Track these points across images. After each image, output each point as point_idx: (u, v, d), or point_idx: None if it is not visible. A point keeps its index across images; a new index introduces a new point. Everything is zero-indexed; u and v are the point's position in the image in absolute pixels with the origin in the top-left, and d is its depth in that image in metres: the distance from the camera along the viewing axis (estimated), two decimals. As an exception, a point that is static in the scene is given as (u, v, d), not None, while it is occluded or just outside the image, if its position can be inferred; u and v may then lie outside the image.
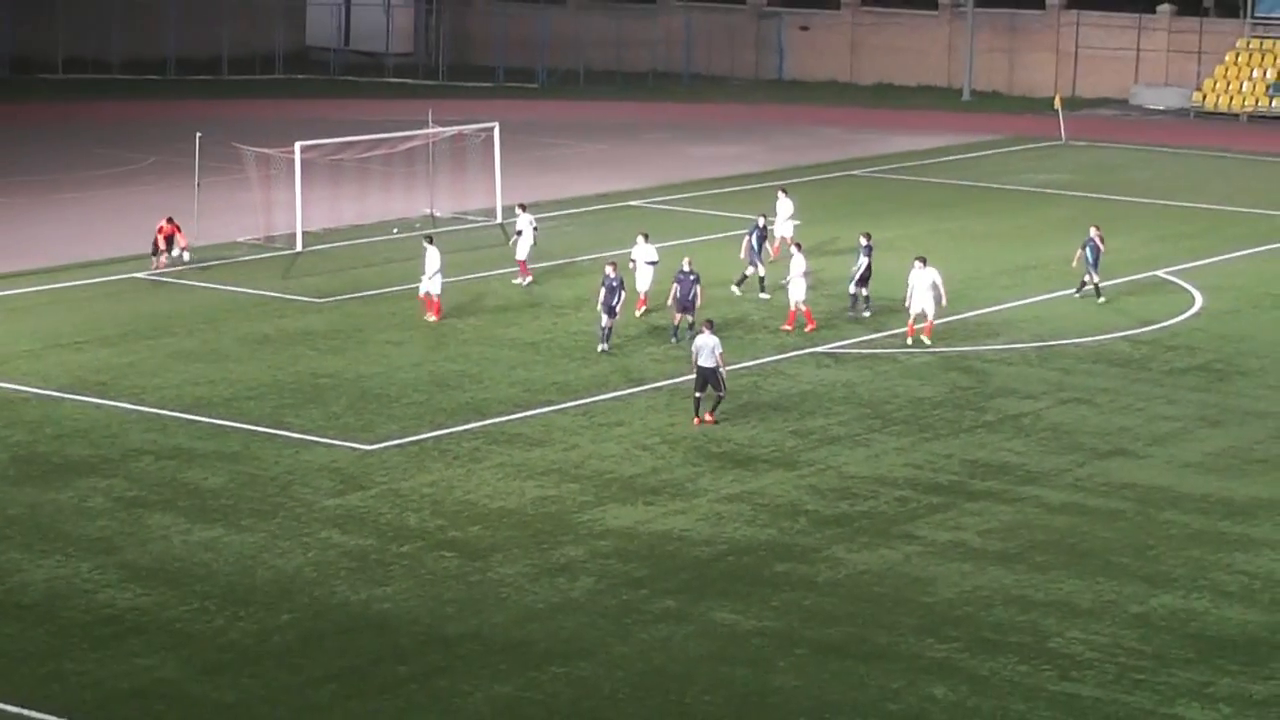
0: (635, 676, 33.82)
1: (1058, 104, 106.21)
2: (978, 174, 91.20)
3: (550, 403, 50.22)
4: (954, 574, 38.96)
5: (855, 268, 60.11)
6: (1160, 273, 67.11)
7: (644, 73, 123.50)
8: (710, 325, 49.45)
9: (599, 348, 54.63)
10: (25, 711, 31.54)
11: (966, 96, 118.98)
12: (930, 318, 56.18)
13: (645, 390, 51.70)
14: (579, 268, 66.79)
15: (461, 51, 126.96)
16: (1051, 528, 41.89)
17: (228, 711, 31.98)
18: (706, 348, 48.28)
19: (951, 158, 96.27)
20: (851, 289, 60.34)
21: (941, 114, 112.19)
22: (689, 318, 55.55)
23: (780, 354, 55.44)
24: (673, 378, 52.67)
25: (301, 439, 46.76)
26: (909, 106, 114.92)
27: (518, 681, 33.42)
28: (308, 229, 67.72)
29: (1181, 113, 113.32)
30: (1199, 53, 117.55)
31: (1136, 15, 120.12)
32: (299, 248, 66.64)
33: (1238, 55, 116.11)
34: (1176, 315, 61.22)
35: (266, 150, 71.00)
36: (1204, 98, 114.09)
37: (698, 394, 48.52)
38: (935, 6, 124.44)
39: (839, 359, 55.44)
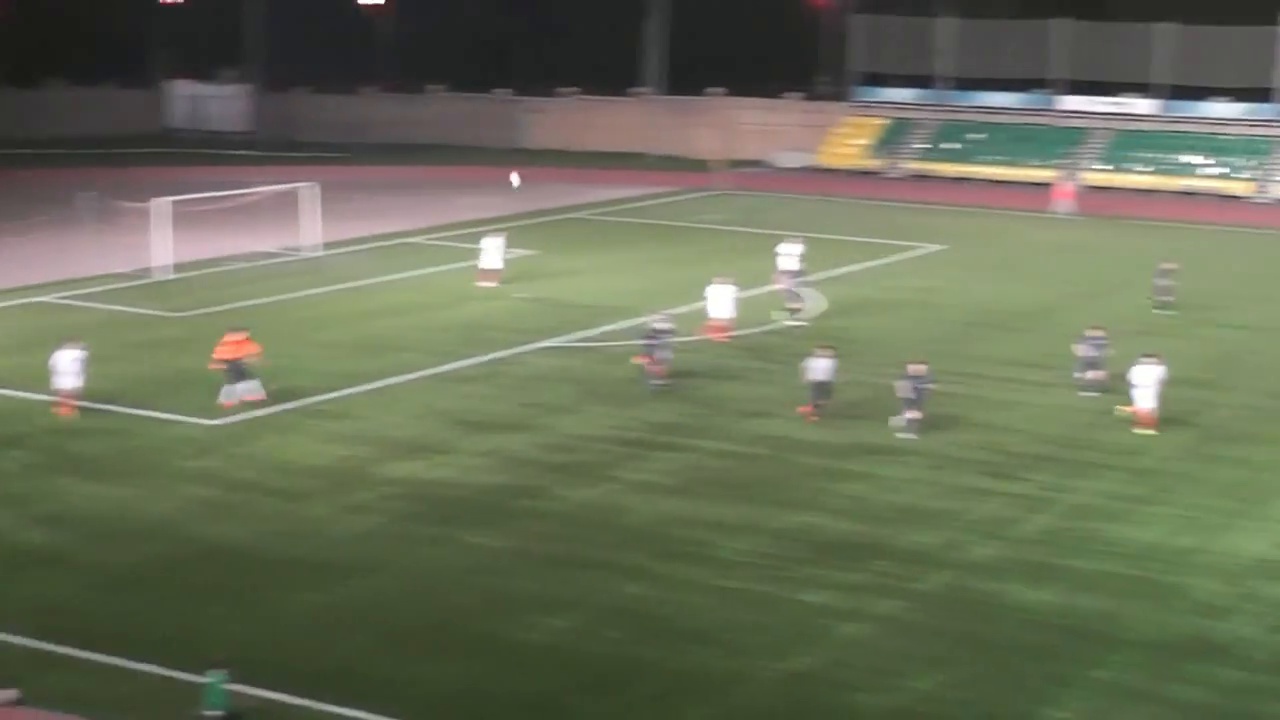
0: (414, 584, 33.87)
1: (717, 164, 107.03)
2: (661, 215, 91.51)
3: (348, 386, 49.79)
4: (643, 504, 39.25)
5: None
6: (785, 285, 67.83)
7: (420, 144, 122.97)
8: (828, 349, 48.25)
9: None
10: (-42, 625, 31.15)
11: (654, 159, 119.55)
12: (1150, 408, 46.49)
13: (418, 377, 51.30)
14: (372, 287, 66.33)
15: (289, 129, 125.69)
16: (712, 468, 42.29)
17: (112, 620, 31.55)
18: (822, 366, 47.21)
19: (643, 204, 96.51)
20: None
21: (635, 172, 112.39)
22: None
23: (516, 348, 55.31)
24: (436, 368, 52.52)
25: (166, 418, 45.94)
26: (612, 167, 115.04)
27: (328, 592, 33.32)
28: (172, 262, 66.80)
29: (807, 169, 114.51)
30: (817, 126, 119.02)
31: (772, 99, 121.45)
32: (165, 277, 65.67)
33: (844, 127, 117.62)
34: (792, 314, 61.81)
35: (139, 204, 69.91)
36: (821, 158, 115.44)
37: (815, 400, 47.17)
38: (631, 95, 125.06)
39: (559, 350, 55.52)
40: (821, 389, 46.95)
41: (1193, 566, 35.89)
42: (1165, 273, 65.27)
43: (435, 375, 51.72)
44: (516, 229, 77.79)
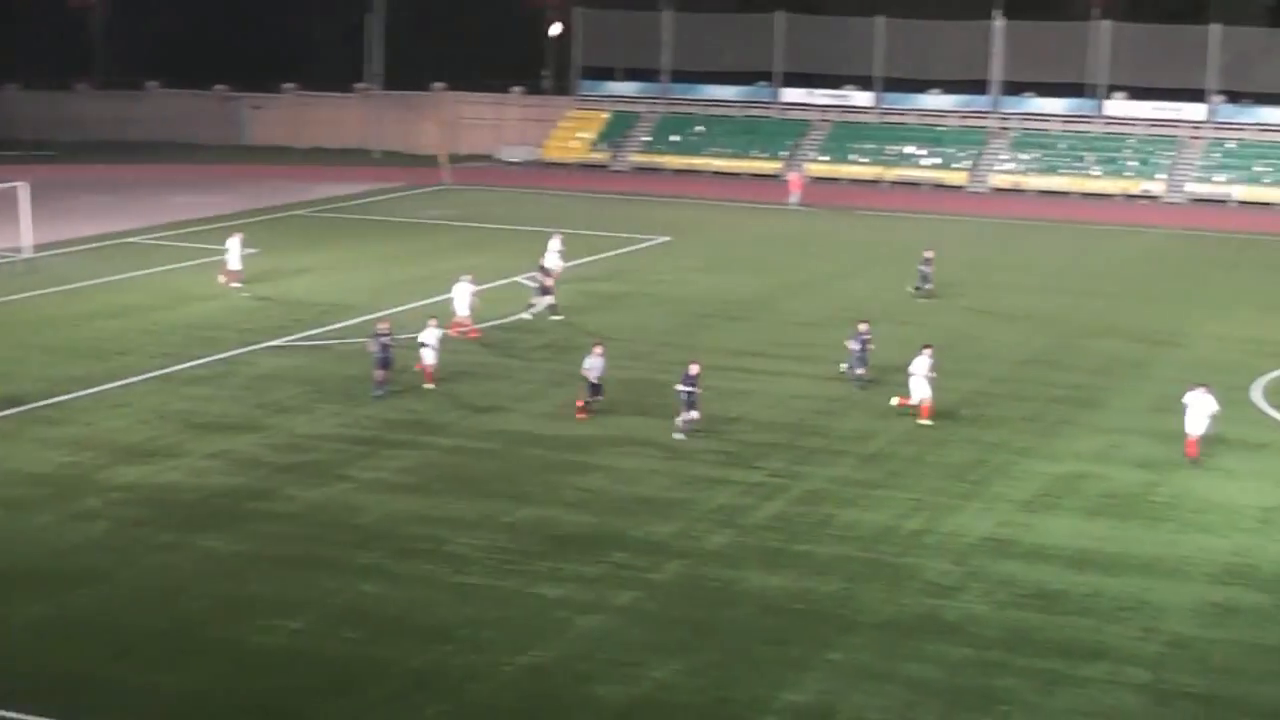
0: (144, 592, 33.15)
1: (442, 160, 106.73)
2: (386, 212, 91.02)
3: (70, 391, 48.54)
4: (377, 502, 38.89)
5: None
6: (518, 278, 67.82)
7: (138, 142, 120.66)
8: (601, 346, 47.63)
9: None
10: None
11: (377, 155, 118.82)
12: (927, 400, 47.11)
13: (143, 380, 50.24)
14: (92, 289, 64.79)
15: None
16: (446, 465, 42.07)
17: None
18: (596, 367, 46.71)
19: (367, 200, 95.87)
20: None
21: (360, 168, 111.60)
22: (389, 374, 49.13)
23: (244, 348, 54.54)
24: (162, 369, 51.51)
25: (-122, 428, 44.57)
26: (336, 164, 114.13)
27: (53, 602, 32.43)
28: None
29: (532, 163, 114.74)
30: (542, 120, 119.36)
31: (497, 94, 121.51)
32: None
33: (569, 122, 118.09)
34: (529, 308, 61.86)
35: None
36: (547, 152, 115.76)
37: (590, 399, 46.78)
38: (354, 91, 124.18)
39: (288, 350, 54.87)
40: (596, 386, 46.98)
41: (923, 547, 36.68)
42: (927, 260, 66.95)
43: (162, 377, 50.66)
44: (240, 227, 76.43)
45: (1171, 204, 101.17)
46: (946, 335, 58.34)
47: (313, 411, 46.99)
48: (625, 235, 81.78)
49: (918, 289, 66.34)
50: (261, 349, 54.64)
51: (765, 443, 44.56)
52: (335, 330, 57.73)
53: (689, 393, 44.68)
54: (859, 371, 50.76)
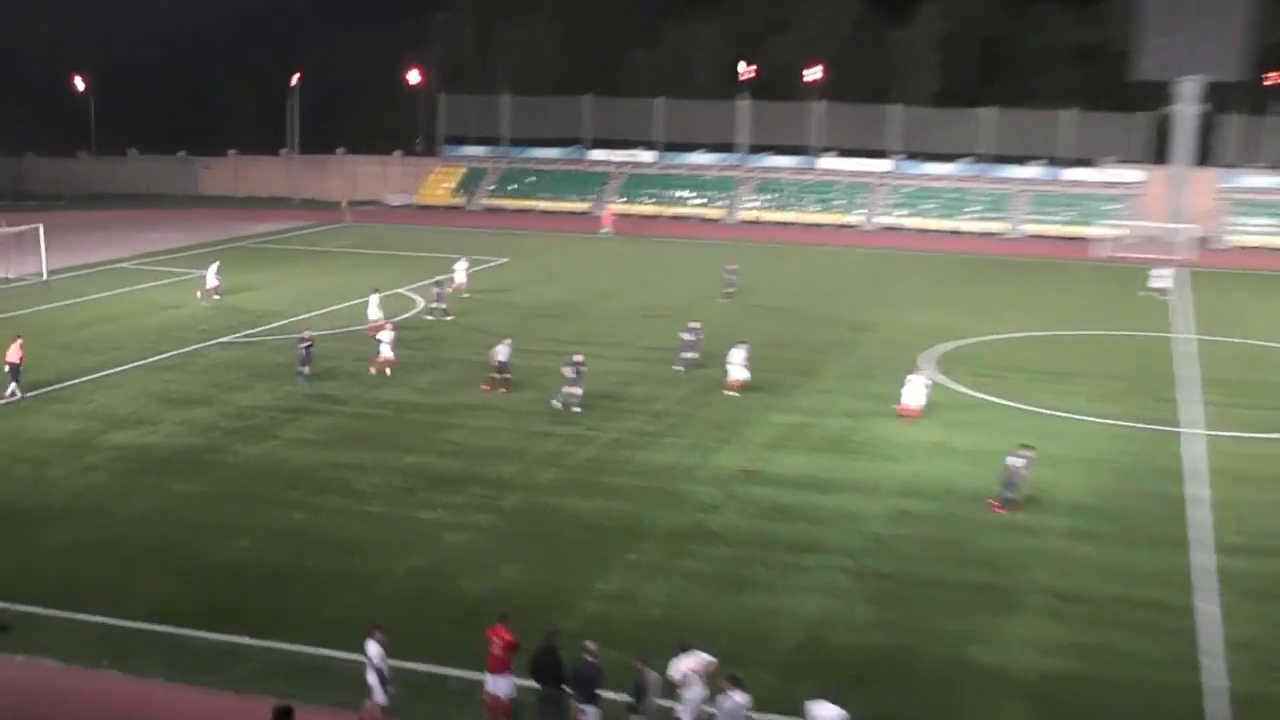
0: (135, 521, 33.04)
1: (344, 204, 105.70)
2: (305, 242, 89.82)
3: (76, 378, 47.64)
4: (302, 454, 38.80)
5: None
6: (401, 290, 67.52)
7: (123, 194, 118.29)
8: (509, 339, 47.11)
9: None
10: None
11: (296, 201, 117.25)
12: (743, 380, 46.55)
13: (129, 369, 49.41)
14: (91, 302, 63.33)
15: (19, 183, 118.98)
16: (351, 427, 41.93)
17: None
18: (504, 350, 46.07)
19: (290, 234, 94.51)
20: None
21: (286, 211, 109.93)
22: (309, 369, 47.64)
23: (202, 344, 53.85)
24: (142, 360, 50.69)
25: (-70, 407, 43.43)
26: (266, 208, 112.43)
27: (72, 530, 32.26)
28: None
29: (409, 206, 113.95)
30: (417, 174, 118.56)
31: (382, 155, 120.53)
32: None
33: (436, 175, 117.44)
34: (407, 312, 61.52)
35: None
36: (420, 198, 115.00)
37: (495, 376, 46.08)
38: (278, 154, 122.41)
39: (234, 344, 54.23)
40: (503, 367, 46.63)
41: (694, 478, 37.36)
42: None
43: (142, 366, 49.90)
44: (196, 255, 75.34)
45: (867, 231, 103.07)
46: (719, 325, 58.99)
47: (252, 389, 46.59)
48: (478, 257, 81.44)
49: (725, 292, 67.05)
50: (214, 344, 53.98)
51: (582, 405, 44.99)
52: (268, 330, 57.13)
53: (576, 371, 44.07)
54: (691, 355, 49.64)
